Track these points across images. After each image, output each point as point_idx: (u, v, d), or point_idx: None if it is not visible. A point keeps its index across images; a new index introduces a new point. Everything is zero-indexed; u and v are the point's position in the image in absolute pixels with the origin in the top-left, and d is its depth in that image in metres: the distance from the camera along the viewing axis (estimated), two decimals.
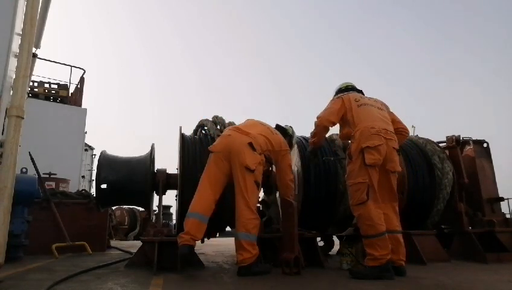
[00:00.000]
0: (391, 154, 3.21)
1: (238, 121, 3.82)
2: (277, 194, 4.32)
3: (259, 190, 3.35)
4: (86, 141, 12.40)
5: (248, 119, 3.74)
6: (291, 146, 3.85)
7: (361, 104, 3.43)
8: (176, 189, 3.76)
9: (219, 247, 6.10)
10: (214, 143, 3.42)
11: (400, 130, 3.49)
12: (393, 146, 3.25)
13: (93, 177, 12.86)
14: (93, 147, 15.23)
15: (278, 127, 3.80)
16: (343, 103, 3.47)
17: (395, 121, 3.52)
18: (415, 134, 5.25)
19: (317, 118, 3.54)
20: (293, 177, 3.65)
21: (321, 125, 3.53)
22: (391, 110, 3.63)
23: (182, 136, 3.91)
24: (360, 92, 3.72)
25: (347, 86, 3.77)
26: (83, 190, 6.51)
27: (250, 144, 3.23)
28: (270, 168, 4.05)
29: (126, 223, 12.35)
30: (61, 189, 6.24)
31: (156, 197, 3.94)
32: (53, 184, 6.41)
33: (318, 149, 3.91)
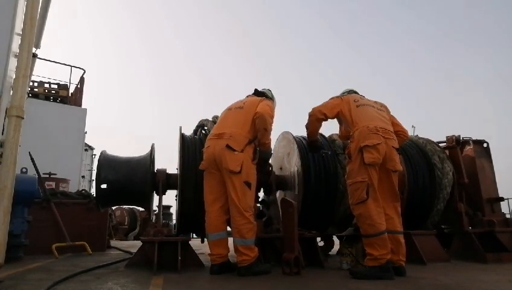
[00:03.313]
0: (391, 154, 3.21)
1: None
2: (277, 194, 4.32)
3: (252, 190, 3.27)
4: (86, 141, 12.41)
5: (222, 113, 3.66)
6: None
7: (360, 104, 3.46)
8: (176, 189, 3.76)
9: None
10: (202, 162, 3.38)
11: (399, 133, 3.50)
12: (392, 145, 3.25)
13: (93, 177, 12.87)
14: (93, 147, 15.27)
15: (255, 91, 3.73)
16: (341, 101, 3.51)
17: (394, 123, 3.52)
18: (415, 134, 5.25)
19: (312, 109, 3.59)
20: (267, 117, 3.30)
21: (313, 116, 3.57)
22: (392, 114, 3.64)
23: (182, 136, 3.91)
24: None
25: (349, 91, 3.81)
26: (83, 190, 6.50)
27: (228, 146, 3.19)
28: (270, 168, 4.05)
29: (126, 223, 12.36)
30: (61, 189, 6.24)
31: (156, 197, 3.94)
32: (53, 184, 6.41)
33: (315, 142, 3.90)
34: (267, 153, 3.55)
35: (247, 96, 3.73)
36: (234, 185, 3.14)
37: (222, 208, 3.26)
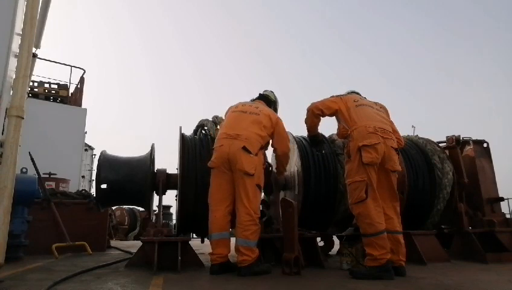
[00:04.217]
0: (389, 153, 3.22)
1: None
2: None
3: (261, 193, 3.36)
4: (86, 141, 12.40)
5: (229, 112, 3.68)
6: (275, 112, 3.87)
7: (360, 104, 3.48)
8: (176, 189, 3.76)
9: None
10: (212, 159, 3.38)
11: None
12: (391, 145, 3.26)
13: (93, 177, 12.87)
14: (93, 147, 15.26)
15: (260, 96, 3.85)
16: (340, 100, 3.54)
17: (392, 129, 3.53)
18: (415, 134, 5.24)
19: (310, 104, 3.64)
20: (289, 142, 3.73)
21: (310, 112, 3.64)
22: (391, 119, 3.65)
23: (182, 136, 3.91)
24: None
25: (351, 92, 3.84)
26: (83, 190, 6.51)
27: (244, 148, 3.22)
28: (270, 168, 4.05)
29: (126, 223, 12.36)
30: (61, 189, 6.24)
31: (156, 197, 3.94)
32: (53, 184, 6.40)
33: (315, 136, 3.96)
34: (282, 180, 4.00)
35: (253, 100, 3.79)
36: (246, 186, 3.16)
37: (228, 208, 3.28)
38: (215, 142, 3.47)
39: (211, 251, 3.27)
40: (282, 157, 3.64)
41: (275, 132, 3.52)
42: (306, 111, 3.69)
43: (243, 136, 3.29)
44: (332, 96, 3.64)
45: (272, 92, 3.94)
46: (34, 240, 4.53)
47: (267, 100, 3.82)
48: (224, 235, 3.27)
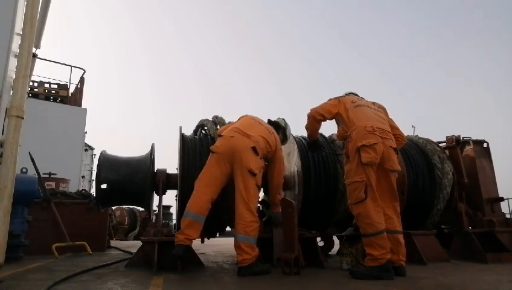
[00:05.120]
0: (389, 153, 3.22)
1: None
2: None
3: (259, 192, 3.38)
4: (86, 141, 12.40)
5: (243, 117, 3.76)
6: (285, 138, 3.96)
7: (358, 105, 3.49)
8: (176, 189, 3.76)
9: (219, 247, 6.11)
10: (216, 143, 3.43)
11: (396, 136, 3.52)
12: (390, 145, 3.26)
13: (93, 177, 12.87)
14: (93, 147, 15.26)
15: (269, 122, 3.90)
16: (339, 103, 3.55)
17: (392, 127, 3.54)
18: (415, 134, 5.25)
19: (310, 110, 3.63)
20: (283, 174, 3.80)
21: (311, 118, 3.63)
22: (390, 117, 3.66)
23: (182, 136, 3.91)
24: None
25: (349, 93, 3.86)
26: (83, 190, 6.51)
27: (254, 148, 3.27)
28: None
29: (126, 223, 12.37)
30: (61, 189, 6.24)
31: (156, 197, 3.94)
32: (53, 184, 6.40)
33: (315, 142, 3.96)
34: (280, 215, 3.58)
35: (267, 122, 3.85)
36: (247, 184, 3.18)
37: (213, 196, 3.27)
38: (225, 131, 3.50)
39: (181, 232, 3.15)
40: (276, 186, 3.62)
41: (276, 156, 3.55)
42: (307, 117, 3.69)
43: (254, 138, 3.36)
44: (331, 99, 3.64)
45: (283, 119, 4.01)
46: (34, 240, 4.53)
47: (276, 126, 3.89)
48: (201, 218, 3.20)
